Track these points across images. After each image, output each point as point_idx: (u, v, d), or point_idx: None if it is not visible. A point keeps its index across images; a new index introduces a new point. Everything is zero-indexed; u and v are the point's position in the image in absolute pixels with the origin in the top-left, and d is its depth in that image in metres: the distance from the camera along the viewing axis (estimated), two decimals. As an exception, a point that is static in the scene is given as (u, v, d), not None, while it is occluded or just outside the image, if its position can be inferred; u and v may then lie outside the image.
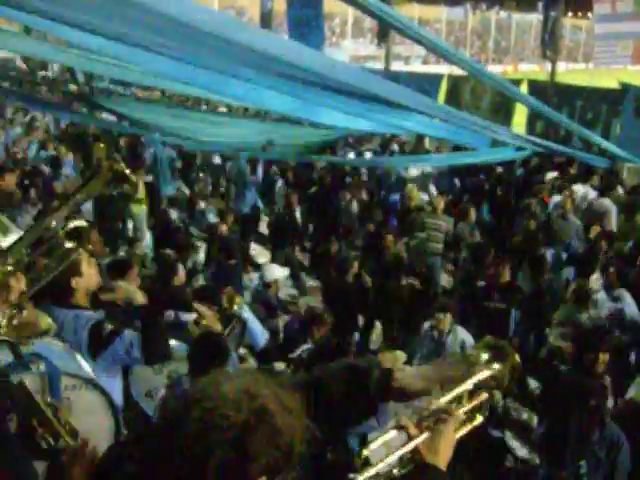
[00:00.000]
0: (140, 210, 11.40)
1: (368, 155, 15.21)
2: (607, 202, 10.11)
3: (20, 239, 3.13)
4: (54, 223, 3.16)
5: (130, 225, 11.52)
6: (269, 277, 8.00)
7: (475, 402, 2.27)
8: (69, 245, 3.28)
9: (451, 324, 6.64)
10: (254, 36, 3.79)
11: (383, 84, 4.55)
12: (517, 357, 2.43)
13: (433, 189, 12.82)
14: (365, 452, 2.04)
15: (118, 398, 3.50)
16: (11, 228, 3.62)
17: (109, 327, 3.61)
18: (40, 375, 2.33)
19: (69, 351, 3.07)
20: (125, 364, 3.92)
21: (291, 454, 1.47)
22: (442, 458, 2.11)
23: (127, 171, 3.27)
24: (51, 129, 19.23)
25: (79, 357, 3.05)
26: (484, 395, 2.29)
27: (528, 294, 7.67)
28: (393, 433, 2.13)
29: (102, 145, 3.97)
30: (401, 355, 4.82)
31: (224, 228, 9.75)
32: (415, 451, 2.10)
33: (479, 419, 2.25)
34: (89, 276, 3.67)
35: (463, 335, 6.61)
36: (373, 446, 2.08)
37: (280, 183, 13.56)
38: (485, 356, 2.44)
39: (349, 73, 3.98)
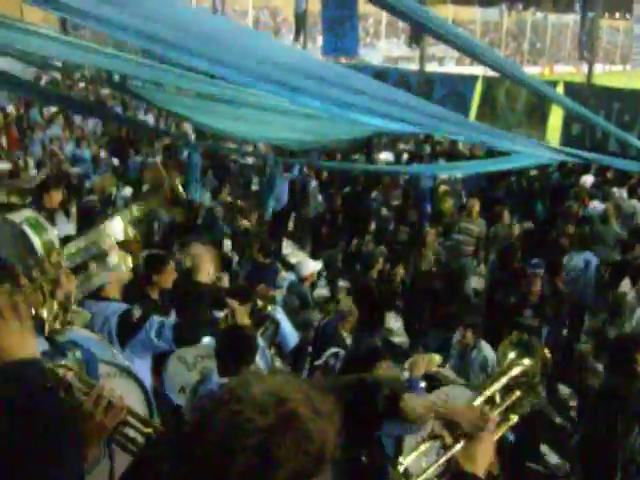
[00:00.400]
0: None
1: (405, 156, 15.18)
2: (635, 203, 10.08)
3: (76, 240, 3.19)
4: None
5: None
6: (304, 271, 8.08)
7: (508, 402, 2.24)
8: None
9: (475, 340, 6.62)
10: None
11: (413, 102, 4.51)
12: (545, 350, 2.39)
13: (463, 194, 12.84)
14: (403, 463, 2.02)
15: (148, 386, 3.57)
16: (48, 228, 3.69)
17: (137, 314, 3.70)
18: (77, 362, 2.34)
19: (103, 341, 3.13)
20: (155, 350, 3.99)
21: (322, 459, 1.40)
22: (480, 465, 2.07)
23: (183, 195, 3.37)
24: (89, 128, 19.49)
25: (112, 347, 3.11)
26: (517, 394, 2.26)
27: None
28: (428, 443, 2.11)
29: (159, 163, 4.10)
30: (435, 357, 4.80)
31: (245, 223, 9.88)
32: (452, 460, 2.08)
33: (514, 419, 2.23)
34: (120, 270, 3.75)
35: (487, 352, 6.55)
36: (409, 458, 2.06)
37: (314, 184, 13.53)
38: (512, 354, 2.39)
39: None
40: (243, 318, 4.69)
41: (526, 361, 2.34)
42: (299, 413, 1.38)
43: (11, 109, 20.88)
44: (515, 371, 2.30)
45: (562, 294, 7.76)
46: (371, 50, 47.28)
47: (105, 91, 21.82)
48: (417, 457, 2.08)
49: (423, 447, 2.09)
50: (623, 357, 5.09)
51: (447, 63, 47.43)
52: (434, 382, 5.07)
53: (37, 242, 3.47)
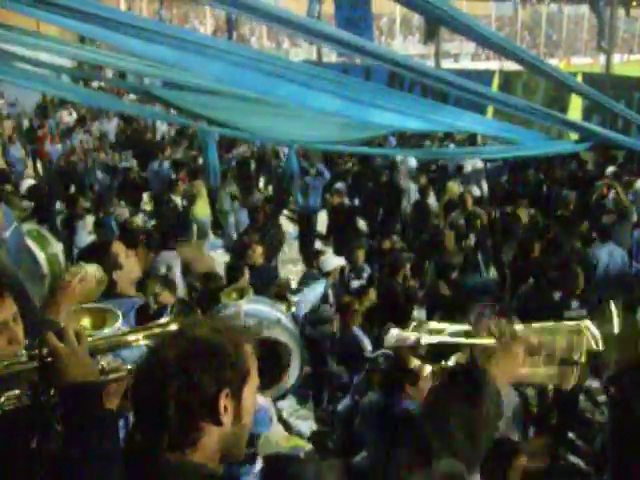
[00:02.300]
0: (204, 215, 11.69)
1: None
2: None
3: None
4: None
5: (194, 229, 11.66)
6: (328, 266, 8.15)
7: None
8: None
9: None
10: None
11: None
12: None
13: (485, 185, 12.74)
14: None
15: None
16: (51, 241, 3.72)
17: (155, 307, 3.76)
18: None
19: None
20: None
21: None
22: (499, 368, 2.20)
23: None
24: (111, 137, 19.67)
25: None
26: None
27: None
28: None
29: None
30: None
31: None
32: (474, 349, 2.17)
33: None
34: (129, 267, 3.78)
35: None
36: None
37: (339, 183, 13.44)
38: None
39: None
40: None
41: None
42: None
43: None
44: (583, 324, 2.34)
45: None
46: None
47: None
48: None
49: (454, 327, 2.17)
50: None
51: (462, 59, 47.26)
52: None
53: (42, 257, 3.51)
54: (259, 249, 7.95)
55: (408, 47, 50.46)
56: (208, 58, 4.28)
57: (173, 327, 2.05)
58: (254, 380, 1.77)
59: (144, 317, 3.66)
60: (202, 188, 11.66)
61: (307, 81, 5.07)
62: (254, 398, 1.78)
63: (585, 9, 50.92)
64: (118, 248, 3.75)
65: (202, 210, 11.70)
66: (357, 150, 11.88)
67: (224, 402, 1.66)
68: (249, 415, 1.76)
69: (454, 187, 11.68)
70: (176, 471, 1.63)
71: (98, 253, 3.66)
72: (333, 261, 8.42)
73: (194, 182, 11.79)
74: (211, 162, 11.84)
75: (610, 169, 12.16)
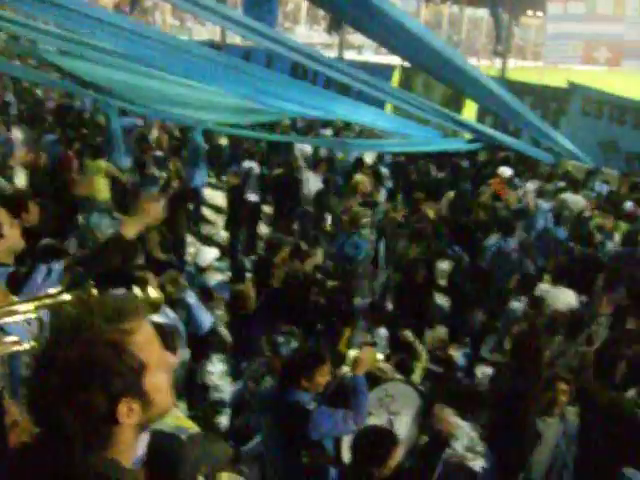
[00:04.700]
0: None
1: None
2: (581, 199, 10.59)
3: None
4: None
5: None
6: (203, 261, 7.97)
7: None
8: None
9: None
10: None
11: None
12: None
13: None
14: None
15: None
16: None
17: (24, 270, 3.72)
18: None
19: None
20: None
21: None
22: None
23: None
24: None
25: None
26: None
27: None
28: None
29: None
30: (377, 354, 4.93)
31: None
32: None
33: None
34: (11, 237, 3.74)
35: None
36: None
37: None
38: None
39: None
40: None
41: None
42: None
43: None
44: None
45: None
46: (290, 36, 47.04)
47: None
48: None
49: None
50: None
51: (366, 52, 47.75)
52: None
53: None
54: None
55: (312, 35, 50.50)
56: (109, 35, 4.11)
57: (65, 297, 1.97)
58: (156, 363, 1.69)
59: (13, 279, 3.63)
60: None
61: (209, 68, 4.96)
62: (162, 376, 1.71)
63: (484, 13, 52.58)
64: (2, 217, 3.70)
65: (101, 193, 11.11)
66: (253, 135, 11.78)
67: (126, 408, 1.57)
68: (160, 392, 1.69)
69: (358, 178, 11.78)
70: (91, 472, 1.54)
71: None
72: (208, 256, 8.24)
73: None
74: (115, 137, 11.41)
75: (502, 168, 12.61)
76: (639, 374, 5.54)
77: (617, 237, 9.58)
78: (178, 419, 3.70)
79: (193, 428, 3.69)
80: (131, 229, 3.56)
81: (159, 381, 1.69)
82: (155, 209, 3.66)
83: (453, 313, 9.20)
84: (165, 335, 4.22)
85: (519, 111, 4.28)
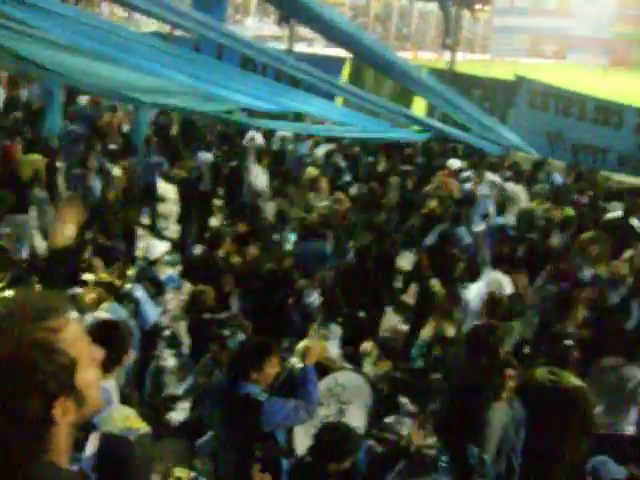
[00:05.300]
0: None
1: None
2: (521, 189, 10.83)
3: None
4: None
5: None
6: (154, 254, 7.88)
7: None
8: None
9: None
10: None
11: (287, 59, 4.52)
12: None
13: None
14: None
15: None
16: None
17: None
18: None
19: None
20: None
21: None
22: None
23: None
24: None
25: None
26: None
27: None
28: None
29: None
30: (325, 344, 4.98)
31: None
32: None
33: None
34: None
35: None
36: None
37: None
38: None
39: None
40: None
41: None
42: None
43: None
44: None
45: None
46: (240, 28, 46.76)
47: None
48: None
49: None
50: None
51: (316, 44, 47.69)
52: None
53: None
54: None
55: (263, 28, 50.27)
56: (57, 24, 4.05)
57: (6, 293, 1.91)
58: (85, 359, 1.63)
59: None
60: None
61: (158, 57, 4.91)
62: (92, 372, 1.66)
63: (434, 6, 53.03)
64: None
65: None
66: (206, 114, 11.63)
67: (61, 408, 1.54)
68: (92, 388, 1.64)
69: (312, 171, 11.88)
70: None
71: None
72: (158, 248, 8.15)
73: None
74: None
75: (451, 160, 12.80)
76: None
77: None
78: (127, 419, 3.68)
79: (143, 428, 3.66)
80: (59, 237, 3.58)
81: (90, 377, 1.65)
82: (71, 214, 3.66)
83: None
84: (116, 332, 4.21)
85: (459, 104, 4.36)
